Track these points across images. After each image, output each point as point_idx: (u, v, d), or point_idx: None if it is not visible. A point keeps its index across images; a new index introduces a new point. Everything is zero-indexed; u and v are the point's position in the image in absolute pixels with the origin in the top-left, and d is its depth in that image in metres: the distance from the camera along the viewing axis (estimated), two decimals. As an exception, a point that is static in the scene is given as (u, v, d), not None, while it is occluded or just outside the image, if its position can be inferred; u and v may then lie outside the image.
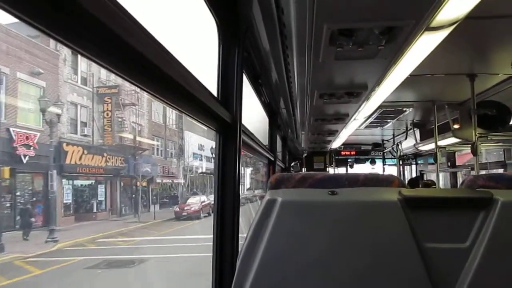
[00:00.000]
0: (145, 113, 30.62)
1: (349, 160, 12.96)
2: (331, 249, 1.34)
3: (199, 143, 38.79)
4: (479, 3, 1.77)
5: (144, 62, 0.98)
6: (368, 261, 1.32)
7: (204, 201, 28.80)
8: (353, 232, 1.34)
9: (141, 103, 29.49)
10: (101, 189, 25.79)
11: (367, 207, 1.36)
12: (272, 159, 4.94)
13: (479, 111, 4.55)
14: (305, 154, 11.24)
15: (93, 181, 25.28)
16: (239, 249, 1.49)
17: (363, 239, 1.34)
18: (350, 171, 12.66)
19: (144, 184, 29.27)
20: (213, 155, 37.66)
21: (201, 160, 39.09)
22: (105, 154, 25.00)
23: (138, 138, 28.90)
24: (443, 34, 2.07)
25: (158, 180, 31.44)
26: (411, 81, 3.43)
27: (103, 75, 25.74)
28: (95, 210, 24.88)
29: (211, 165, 37.03)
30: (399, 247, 1.32)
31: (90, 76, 24.92)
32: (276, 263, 1.34)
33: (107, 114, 25.92)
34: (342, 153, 12.44)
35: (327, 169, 11.35)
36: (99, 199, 25.45)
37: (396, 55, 2.26)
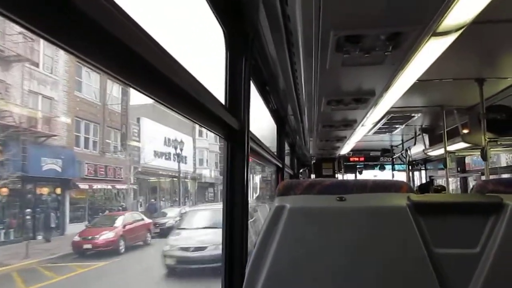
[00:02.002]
0: (61, 81, 19.26)
1: (358, 166, 12.92)
2: (340, 255, 1.33)
3: (166, 136, 29.77)
4: (485, 7, 1.77)
5: (152, 71, 0.99)
6: (378, 267, 1.32)
7: (134, 221, 17.76)
8: (362, 238, 1.34)
9: (52, 64, 18.68)
10: None
11: (375, 213, 1.36)
12: (281, 166, 4.94)
13: (489, 115, 4.51)
14: (314, 161, 11.22)
15: None
16: (248, 257, 1.50)
17: (372, 245, 1.33)
18: (359, 177, 12.61)
19: (58, 191, 18.71)
20: (178, 151, 29.58)
21: (168, 158, 29.74)
22: None
23: (38, 118, 17.69)
24: (450, 39, 2.07)
25: (84, 186, 20.18)
26: (419, 87, 3.43)
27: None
28: None
29: (185, 167, 32.09)
30: (408, 252, 1.32)
31: None
32: (285, 270, 1.34)
33: None
34: (351, 159, 12.40)
35: (336, 175, 11.31)
36: None
37: (403, 61, 2.26)
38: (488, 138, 4.54)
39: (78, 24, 0.72)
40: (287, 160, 6.38)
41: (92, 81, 21.23)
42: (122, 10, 0.83)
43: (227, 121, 1.75)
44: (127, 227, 17.04)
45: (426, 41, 1.99)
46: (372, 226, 1.34)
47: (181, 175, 31.22)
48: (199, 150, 37.44)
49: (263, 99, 3.62)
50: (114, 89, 22.98)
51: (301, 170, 10.29)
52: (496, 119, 4.73)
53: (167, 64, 1.08)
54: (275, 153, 4.73)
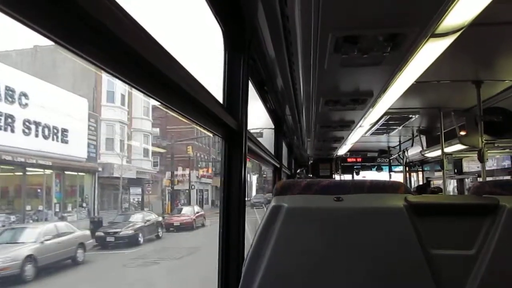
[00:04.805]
0: None
1: (355, 167, 12.93)
2: (336, 255, 1.33)
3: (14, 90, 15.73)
4: (484, 9, 1.77)
5: (152, 70, 0.99)
6: (374, 268, 1.32)
7: None
8: (359, 238, 1.34)
9: None
10: None
11: (373, 214, 1.36)
12: (278, 166, 4.95)
13: (486, 117, 4.52)
14: (311, 161, 11.22)
15: None
16: (245, 255, 1.50)
17: (369, 246, 1.33)
18: (356, 178, 12.62)
19: None
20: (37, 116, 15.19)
21: (12, 130, 15.73)
22: None
23: None
24: (448, 41, 2.07)
25: None
26: (417, 88, 3.43)
27: None
28: None
29: (66, 149, 18.52)
30: (405, 253, 1.32)
31: None
32: (282, 269, 1.34)
33: None
34: (348, 160, 12.42)
35: (333, 176, 11.32)
36: None
37: (401, 62, 2.26)
38: (485, 140, 4.55)
39: (77, 21, 0.72)
40: (284, 160, 6.39)
41: None
42: (120, 7, 0.83)
43: (225, 120, 1.75)
44: None
45: (425, 43, 2.00)
46: (369, 226, 1.35)
47: (48, 163, 17.65)
48: (108, 125, 23.02)
49: (261, 99, 3.62)
50: None
51: (298, 170, 10.30)
52: (493, 121, 4.74)
53: (166, 63, 1.08)
54: (273, 153, 4.73)
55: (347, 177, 12.57)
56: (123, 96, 23.90)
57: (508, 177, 8.58)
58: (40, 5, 0.65)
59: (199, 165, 34.68)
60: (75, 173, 20.28)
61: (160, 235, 19.72)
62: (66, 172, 19.57)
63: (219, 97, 1.88)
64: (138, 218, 19.13)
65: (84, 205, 20.99)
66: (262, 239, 1.35)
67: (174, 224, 21.70)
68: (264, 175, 38.19)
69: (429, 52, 2.19)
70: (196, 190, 33.62)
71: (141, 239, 17.70)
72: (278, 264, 1.33)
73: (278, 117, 4.84)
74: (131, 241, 16.93)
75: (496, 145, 4.89)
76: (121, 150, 23.64)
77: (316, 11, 1.61)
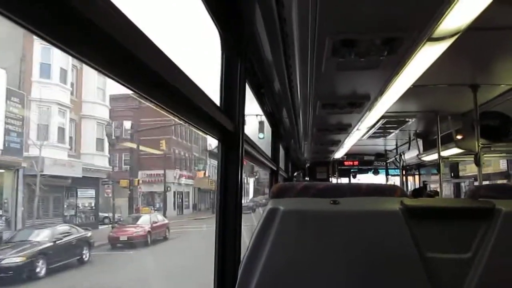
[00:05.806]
0: None
1: (352, 170, 12.94)
2: (333, 258, 1.33)
3: None
4: (481, 14, 1.78)
5: (148, 72, 0.99)
6: (370, 271, 1.32)
7: None
8: (355, 241, 1.34)
9: None
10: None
11: (369, 217, 1.36)
12: (275, 169, 4.94)
13: (482, 121, 4.54)
14: (308, 164, 11.22)
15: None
16: (241, 259, 1.49)
17: (365, 249, 1.33)
18: (353, 181, 12.63)
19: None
20: None
21: None
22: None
23: None
24: (445, 45, 2.08)
25: None
26: (413, 92, 3.44)
27: None
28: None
29: None
30: (401, 257, 1.32)
31: None
32: (278, 273, 1.33)
33: None
34: (345, 163, 12.42)
35: (330, 179, 11.33)
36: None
37: (398, 66, 2.27)
38: (482, 144, 4.57)
39: (76, 25, 0.72)
40: (281, 163, 6.38)
41: None
42: (118, 10, 0.83)
43: (222, 123, 1.75)
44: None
45: (421, 47, 2.01)
46: (365, 229, 1.34)
47: None
48: (40, 107, 17.42)
49: (258, 102, 3.62)
50: None
51: (295, 174, 10.31)
52: (490, 125, 4.76)
53: (162, 65, 1.08)
54: (270, 156, 4.73)
55: (344, 180, 12.58)
56: (64, 71, 17.90)
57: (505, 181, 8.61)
58: (36, 5, 0.65)
59: (177, 164, 30.36)
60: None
61: (86, 258, 13.82)
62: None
63: (216, 99, 1.87)
64: (44, 235, 12.63)
65: (0, 212, 14.68)
66: (258, 241, 1.35)
67: (121, 239, 16.92)
68: (257, 176, 35.72)
69: (426, 56, 2.20)
70: (174, 192, 29.33)
71: (41, 270, 11.53)
72: (274, 267, 1.33)
73: (276, 120, 4.84)
74: (20, 274, 10.84)
75: (492, 149, 4.91)
76: (58, 140, 17.88)
77: (313, 15, 1.62)
